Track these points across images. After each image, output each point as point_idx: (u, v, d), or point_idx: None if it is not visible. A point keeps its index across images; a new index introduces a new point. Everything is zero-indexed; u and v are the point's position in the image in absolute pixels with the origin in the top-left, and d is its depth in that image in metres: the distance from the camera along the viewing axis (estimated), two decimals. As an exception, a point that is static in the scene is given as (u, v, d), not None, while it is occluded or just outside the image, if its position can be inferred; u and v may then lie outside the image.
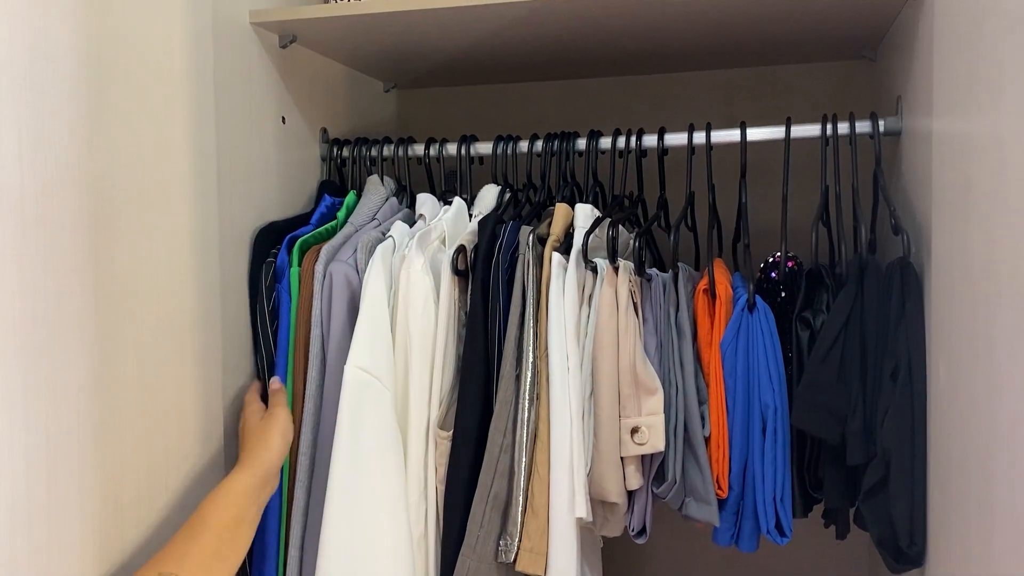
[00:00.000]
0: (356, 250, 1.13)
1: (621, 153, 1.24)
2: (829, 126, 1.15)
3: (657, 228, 1.29)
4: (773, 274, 1.15)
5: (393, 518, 1.07)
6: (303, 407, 1.12)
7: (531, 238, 1.09)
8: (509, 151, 1.28)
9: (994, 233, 0.73)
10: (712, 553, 1.60)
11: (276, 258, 1.14)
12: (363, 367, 1.06)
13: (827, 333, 1.04)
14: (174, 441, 0.99)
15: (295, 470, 1.12)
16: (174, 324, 0.98)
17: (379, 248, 1.11)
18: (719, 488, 1.08)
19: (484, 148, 1.29)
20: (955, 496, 0.87)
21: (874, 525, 1.02)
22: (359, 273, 1.11)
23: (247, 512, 0.93)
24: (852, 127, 1.15)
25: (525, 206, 1.27)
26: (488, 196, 1.25)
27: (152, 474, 0.95)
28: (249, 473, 0.96)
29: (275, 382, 1.12)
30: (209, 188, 1.05)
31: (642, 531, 1.11)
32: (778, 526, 1.07)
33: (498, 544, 1.06)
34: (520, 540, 1.05)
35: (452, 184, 1.33)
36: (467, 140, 1.30)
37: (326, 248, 1.13)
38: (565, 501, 1.05)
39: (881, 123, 1.15)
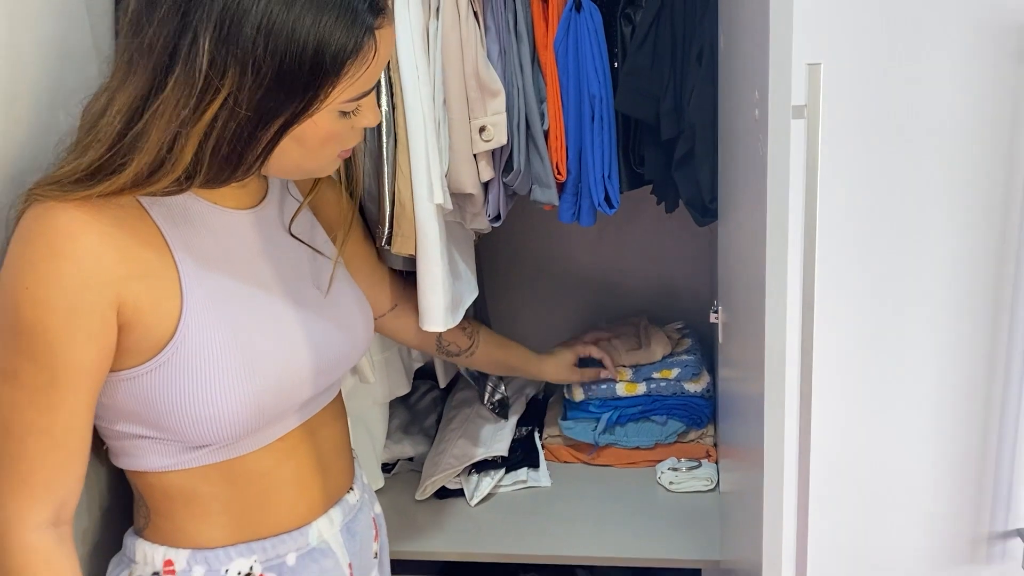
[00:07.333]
0: None
1: None
2: None
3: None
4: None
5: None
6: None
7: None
8: None
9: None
10: (575, 245, 1.78)
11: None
12: None
13: (642, 23, 1.17)
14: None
15: None
16: None
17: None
18: (558, 173, 1.25)
19: None
20: (728, 158, 1.06)
21: (684, 189, 1.22)
22: None
23: None
24: None
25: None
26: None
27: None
28: None
29: None
30: None
31: (496, 217, 1.29)
32: (607, 200, 1.26)
33: (374, 233, 1.23)
34: (390, 228, 1.22)
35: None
36: None
37: None
38: (425, 191, 1.21)
39: None
